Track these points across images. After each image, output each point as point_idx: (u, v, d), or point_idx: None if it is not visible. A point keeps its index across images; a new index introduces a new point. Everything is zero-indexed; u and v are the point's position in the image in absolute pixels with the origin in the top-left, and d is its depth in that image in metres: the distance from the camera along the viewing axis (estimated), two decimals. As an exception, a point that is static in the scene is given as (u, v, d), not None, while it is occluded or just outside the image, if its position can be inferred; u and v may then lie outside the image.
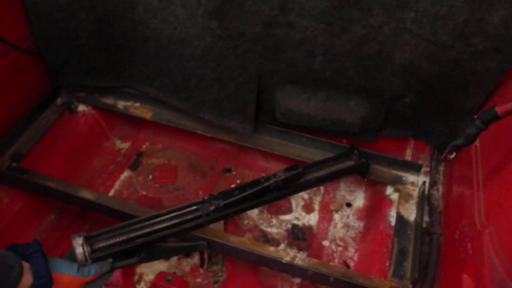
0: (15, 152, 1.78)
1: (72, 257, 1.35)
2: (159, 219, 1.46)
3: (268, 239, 1.85)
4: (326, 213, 1.95)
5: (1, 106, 1.76)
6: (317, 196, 2.01)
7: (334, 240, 1.86)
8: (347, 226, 1.90)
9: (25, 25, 1.79)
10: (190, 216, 1.47)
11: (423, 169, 1.81)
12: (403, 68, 1.53)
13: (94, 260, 1.35)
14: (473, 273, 1.22)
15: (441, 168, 1.77)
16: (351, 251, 1.82)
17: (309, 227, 1.90)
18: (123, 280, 1.70)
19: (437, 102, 1.62)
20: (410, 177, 1.81)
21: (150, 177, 2.09)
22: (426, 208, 1.68)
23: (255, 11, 1.51)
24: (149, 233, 1.43)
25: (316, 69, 1.62)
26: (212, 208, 1.47)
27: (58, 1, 1.70)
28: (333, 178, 1.74)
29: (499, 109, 1.15)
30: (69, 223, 1.89)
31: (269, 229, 1.89)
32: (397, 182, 1.81)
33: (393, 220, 1.71)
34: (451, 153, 1.48)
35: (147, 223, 1.45)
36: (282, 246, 1.84)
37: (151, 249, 1.46)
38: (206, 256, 1.75)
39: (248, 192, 1.50)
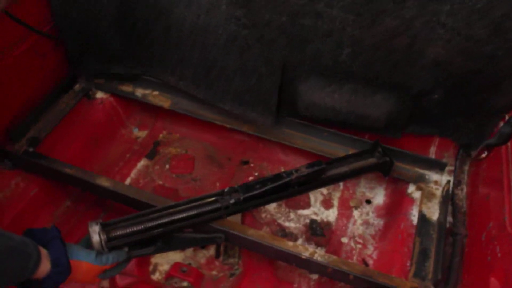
0: (32, 137, 1.77)
1: (87, 243, 1.34)
2: (177, 209, 1.43)
3: (285, 234, 1.82)
4: (345, 210, 1.91)
5: (20, 90, 1.74)
6: (336, 192, 1.98)
7: (353, 237, 1.82)
8: (366, 223, 1.86)
9: (45, 9, 1.76)
10: (208, 208, 1.44)
11: (447, 168, 1.77)
12: (434, 63, 1.49)
13: (110, 249, 1.33)
14: (501, 276, 1.19)
15: (466, 167, 1.72)
16: (370, 249, 1.78)
17: (328, 223, 1.87)
18: (138, 270, 1.68)
19: (466, 100, 1.57)
20: (434, 176, 1.77)
21: (167, 166, 2.06)
22: (449, 208, 1.64)
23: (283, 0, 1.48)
24: (166, 223, 1.40)
25: (343, 62, 1.58)
26: (232, 201, 1.44)
27: (80, -16, 1.68)
28: (355, 175, 1.71)
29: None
30: (85, 210, 1.88)
31: (286, 224, 1.86)
32: (419, 180, 1.77)
33: (414, 219, 1.67)
34: (483, 152, 1.44)
35: (165, 212, 1.42)
36: (299, 241, 1.80)
37: (167, 240, 1.44)
38: (222, 249, 1.73)
39: (269, 186, 1.47)
